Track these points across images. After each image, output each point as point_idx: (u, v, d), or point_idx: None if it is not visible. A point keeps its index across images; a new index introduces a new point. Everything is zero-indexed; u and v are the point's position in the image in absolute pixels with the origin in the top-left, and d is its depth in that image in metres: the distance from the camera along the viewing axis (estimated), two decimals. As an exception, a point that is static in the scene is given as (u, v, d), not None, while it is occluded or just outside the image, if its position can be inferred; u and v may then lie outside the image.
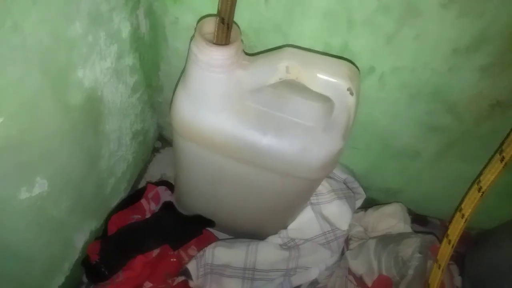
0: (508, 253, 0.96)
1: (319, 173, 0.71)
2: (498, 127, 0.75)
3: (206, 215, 0.98)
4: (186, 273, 0.90)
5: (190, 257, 0.93)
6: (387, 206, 1.03)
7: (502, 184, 0.75)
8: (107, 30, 0.65)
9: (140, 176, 1.10)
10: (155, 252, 0.91)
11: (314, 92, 0.62)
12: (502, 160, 0.66)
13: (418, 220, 1.11)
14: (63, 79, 0.58)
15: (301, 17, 0.67)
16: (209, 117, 0.67)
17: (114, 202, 0.98)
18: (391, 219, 1.01)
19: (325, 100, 0.63)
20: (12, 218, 0.60)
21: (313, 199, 0.94)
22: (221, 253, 0.90)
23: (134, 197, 1.00)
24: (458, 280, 1.04)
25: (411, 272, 0.85)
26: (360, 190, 1.03)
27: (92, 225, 0.89)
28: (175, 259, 0.92)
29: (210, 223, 0.98)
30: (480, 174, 0.71)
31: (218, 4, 0.59)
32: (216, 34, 0.62)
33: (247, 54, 0.69)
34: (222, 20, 0.60)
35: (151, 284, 0.89)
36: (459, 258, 1.07)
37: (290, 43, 0.73)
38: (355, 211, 1.03)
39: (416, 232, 1.00)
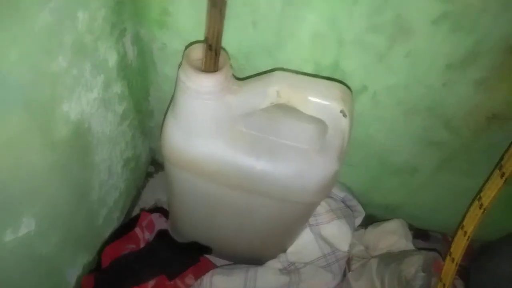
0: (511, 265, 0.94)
1: (315, 197, 0.70)
2: (496, 140, 0.74)
3: (202, 241, 0.95)
4: (184, 304, 0.87)
5: (188, 286, 0.90)
6: (388, 222, 1.01)
7: (503, 196, 0.73)
8: (93, 61, 0.63)
9: (133, 203, 1.07)
10: (151, 283, 0.87)
11: (306, 115, 0.60)
12: (502, 176, 0.64)
13: (420, 235, 1.09)
14: (48, 114, 0.56)
15: (290, 39, 0.66)
16: (201, 145, 0.65)
17: (107, 232, 0.95)
18: (392, 236, 0.98)
19: (319, 122, 0.62)
20: (-3, 260, 0.57)
21: (311, 220, 0.92)
22: (219, 281, 0.87)
23: (127, 226, 0.97)
24: (464, 295, 1.02)
25: (415, 292, 0.82)
26: (359, 207, 1.01)
27: (84, 258, 0.86)
28: (172, 289, 0.89)
29: (207, 250, 0.95)
30: (481, 190, 0.69)
31: (205, 31, 0.57)
32: (204, 61, 0.61)
33: (237, 78, 0.67)
34: (209, 47, 0.58)
35: (148, 317, 0.86)
36: (463, 271, 1.05)
37: (280, 65, 0.72)
38: (355, 229, 1.01)
39: (418, 248, 0.98)
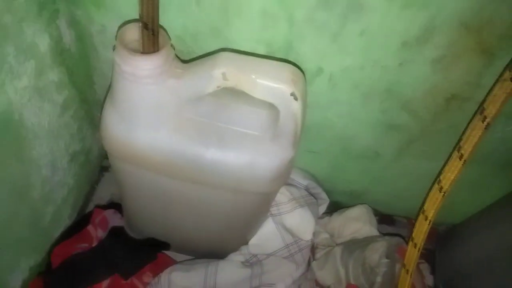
0: (476, 247, 0.94)
1: (271, 186, 0.66)
2: (456, 121, 0.72)
3: (160, 237, 0.90)
4: (141, 303, 0.82)
5: (146, 285, 0.86)
6: (352, 209, 0.99)
7: (465, 178, 0.72)
8: (17, 45, 0.57)
9: (87, 199, 1.01)
10: (105, 283, 0.82)
11: (257, 99, 0.56)
12: (461, 157, 0.62)
13: (385, 220, 1.08)
14: (-37, 105, 0.50)
15: (238, 18, 0.62)
16: (143, 134, 0.60)
17: (57, 232, 0.88)
18: (356, 222, 0.96)
19: (270, 107, 0.57)
20: None
21: (273, 209, 0.88)
22: (178, 278, 0.82)
23: (79, 224, 0.91)
24: (429, 279, 1.02)
25: (379, 279, 0.80)
26: (323, 195, 0.98)
27: (30, 261, 0.80)
28: (128, 289, 0.84)
29: (164, 245, 0.91)
30: (440, 173, 0.67)
31: (139, 9, 0.52)
32: (142, 41, 0.55)
33: (184, 61, 0.62)
34: (145, 26, 0.53)
35: (102, 320, 0.81)
36: (429, 255, 1.05)
37: (231, 46, 0.67)
38: (320, 217, 0.98)
39: (383, 233, 0.96)
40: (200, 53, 0.69)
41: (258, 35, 0.64)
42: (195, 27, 0.65)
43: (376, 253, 0.83)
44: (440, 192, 0.67)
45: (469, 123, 0.62)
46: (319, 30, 0.61)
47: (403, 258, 0.78)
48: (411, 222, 1.08)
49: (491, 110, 0.57)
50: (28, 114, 0.64)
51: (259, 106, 0.60)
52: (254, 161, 0.61)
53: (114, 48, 0.55)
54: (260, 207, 0.77)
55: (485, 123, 0.59)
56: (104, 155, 1.06)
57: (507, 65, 0.57)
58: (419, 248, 0.74)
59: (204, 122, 0.61)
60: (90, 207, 1.01)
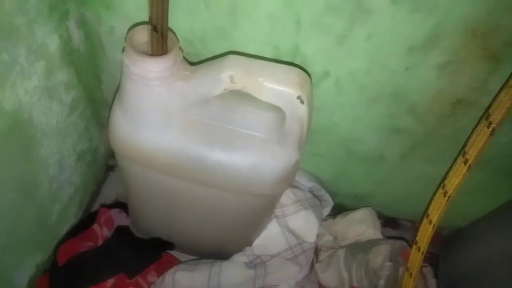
0: (480, 252, 0.94)
1: (276, 188, 0.66)
2: (461, 125, 0.72)
3: (164, 237, 0.91)
4: (146, 302, 0.83)
5: (150, 284, 0.86)
6: (356, 212, 0.99)
7: (469, 182, 0.72)
8: (28, 46, 0.58)
9: (93, 198, 1.02)
10: (110, 282, 0.83)
11: (264, 102, 0.57)
12: (465, 162, 0.62)
13: (389, 223, 1.08)
14: (-26, 104, 0.51)
15: (246, 21, 0.62)
16: (151, 135, 0.61)
17: (63, 230, 0.89)
18: (360, 225, 0.97)
19: (276, 109, 0.58)
20: None
21: (277, 211, 0.89)
22: (182, 278, 0.83)
23: (85, 222, 0.92)
24: (432, 282, 1.02)
25: (382, 282, 0.80)
26: (327, 197, 0.98)
27: (37, 258, 0.81)
28: (132, 288, 0.85)
29: (169, 245, 0.91)
30: (445, 178, 0.67)
31: (149, 11, 0.52)
32: (150, 44, 0.56)
33: (192, 63, 0.63)
34: (154, 28, 0.54)
35: (107, 318, 0.82)
36: (433, 258, 1.04)
37: (238, 49, 0.67)
38: (324, 219, 0.98)
39: (386, 237, 0.97)
40: (208, 55, 0.70)
41: (265, 38, 0.65)
42: (203, 29, 0.66)
43: (380, 256, 0.84)
44: (445, 196, 0.67)
45: (474, 128, 0.62)
46: (326, 34, 0.61)
47: (407, 262, 0.78)
48: (415, 226, 1.08)
49: (496, 116, 0.58)
50: (37, 114, 0.65)
51: (265, 109, 0.61)
52: (259, 163, 0.62)
53: (123, 49, 0.56)
54: (264, 208, 0.77)
55: (490, 128, 0.59)
56: (110, 155, 1.07)
57: (514, 71, 0.57)
58: (422, 252, 0.75)
59: (210, 124, 0.62)
60: (96, 206, 1.02)
